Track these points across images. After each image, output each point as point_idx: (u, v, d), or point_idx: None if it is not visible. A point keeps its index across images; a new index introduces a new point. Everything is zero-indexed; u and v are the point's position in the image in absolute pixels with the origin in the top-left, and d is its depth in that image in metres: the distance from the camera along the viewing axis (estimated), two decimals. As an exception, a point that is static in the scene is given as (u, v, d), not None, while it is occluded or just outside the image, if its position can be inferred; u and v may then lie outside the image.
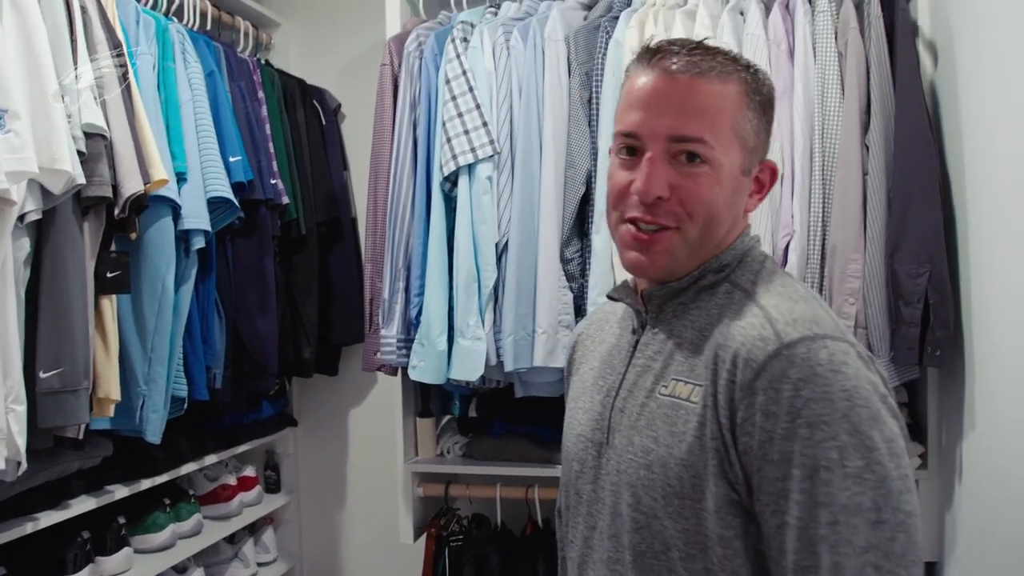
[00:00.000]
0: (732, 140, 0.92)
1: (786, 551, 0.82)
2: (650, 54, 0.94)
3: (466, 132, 1.90)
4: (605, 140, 1.88)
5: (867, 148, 1.80)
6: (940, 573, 1.88)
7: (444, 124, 1.93)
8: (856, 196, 1.78)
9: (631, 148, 0.94)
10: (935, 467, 1.90)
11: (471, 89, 1.94)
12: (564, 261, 1.90)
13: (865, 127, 1.81)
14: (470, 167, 1.92)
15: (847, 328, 0.87)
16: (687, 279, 0.96)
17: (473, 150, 1.90)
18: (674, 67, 0.92)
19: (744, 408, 0.84)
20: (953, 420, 1.82)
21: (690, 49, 0.93)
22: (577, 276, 1.91)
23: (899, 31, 1.80)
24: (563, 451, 1.08)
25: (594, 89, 1.94)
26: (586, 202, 1.92)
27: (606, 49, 1.93)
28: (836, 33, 1.84)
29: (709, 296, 0.95)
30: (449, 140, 1.92)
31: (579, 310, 1.91)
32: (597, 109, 1.92)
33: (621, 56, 1.90)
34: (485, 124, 1.92)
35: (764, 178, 0.98)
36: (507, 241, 1.93)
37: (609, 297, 1.07)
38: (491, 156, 1.92)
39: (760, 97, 0.95)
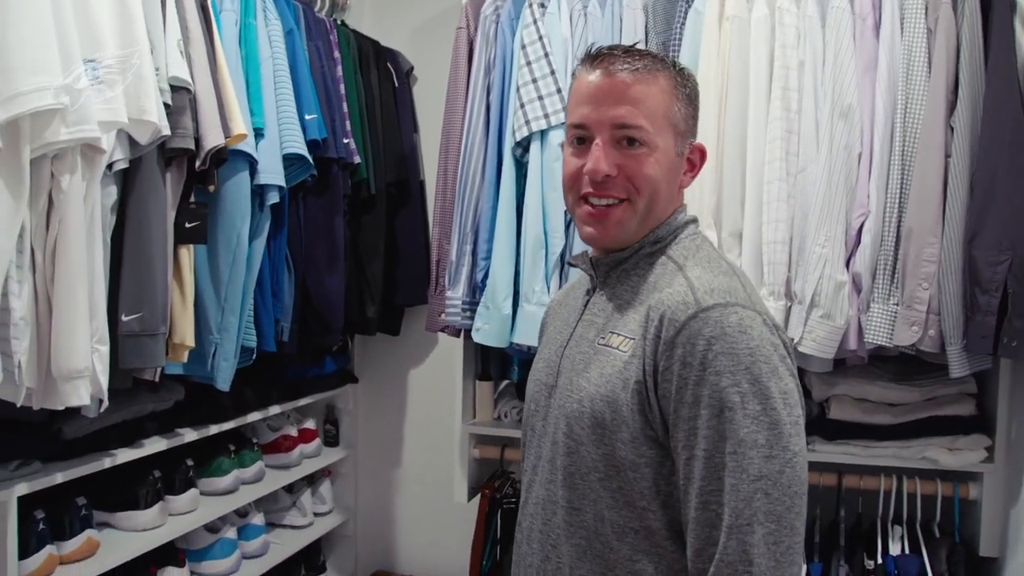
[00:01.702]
0: (665, 126, 1.08)
1: (694, 479, 0.98)
2: (592, 59, 1.11)
3: (540, 98, 1.90)
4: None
5: (952, 129, 1.74)
6: (1002, 570, 1.85)
7: (518, 89, 1.93)
8: (937, 178, 1.73)
9: (581, 138, 1.11)
10: (1002, 461, 1.86)
11: (547, 55, 1.93)
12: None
13: (951, 107, 1.75)
14: (542, 133, 1.92)
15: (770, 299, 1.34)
16: (629, 250, 1.12)
17: (546, 116, 1.90)
18: (613, 68, 1.08)
19: (665, 359, 1.00)
20: (1024, 414, 1.78)
21: (625, 51, 1.10)
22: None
23: (996, 8, 1.73)
24: (526, 395, 1.25)
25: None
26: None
27: (685, 19, 1.90)
28: (927, 8, 1.78)
29: (648, 266, 1.11)
30: (523, 105, 1.92)
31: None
32: (673, 79, 1.90)
33: (700, 26, 1.87)
34: (559, 91, 1.91)
35: (695, 158, 1.14)
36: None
37: (569, 264, 1.24)
38: (564, 123, 1.91)
39: (687, 90, 1.12)
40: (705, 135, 1.85)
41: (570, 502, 1.08)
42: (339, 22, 2.43)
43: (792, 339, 1.78)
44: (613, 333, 1.08)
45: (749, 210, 1.82)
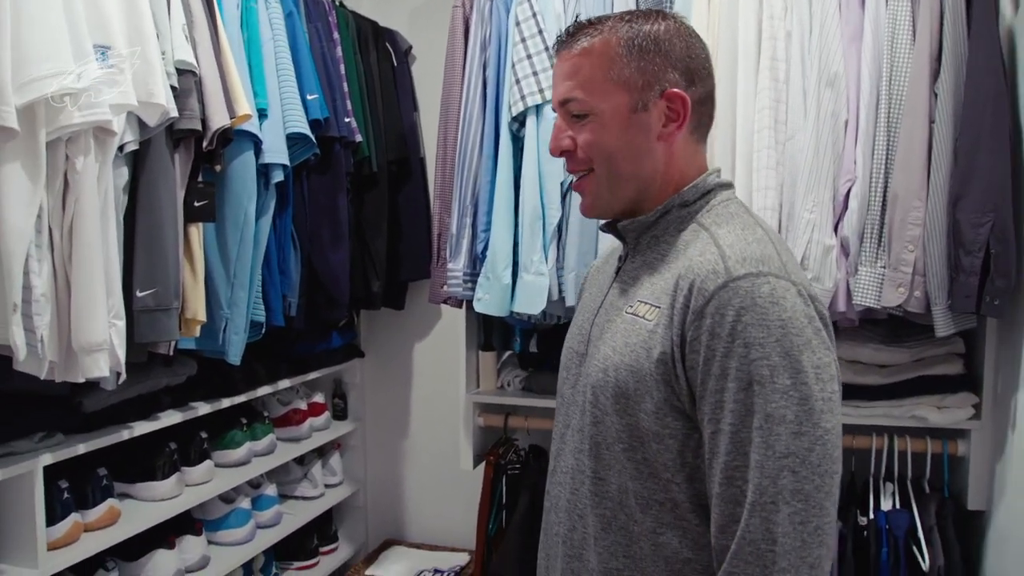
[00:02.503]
0: (610, 87, 1.05)
1: (719, 453, 0.96)
2: (555, 44, 1.13)
3: (534, 73, 1.95)
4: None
5: (935, 95, 1.78)
6: (988, 523, 1.91)
7: (513, 65, 1.98)
8: (921, 143, 1.78)
9: None
10: (988, 417, 1.91)
11: (540, 31, 1.97)
12: (626, 201, 1.94)
13: (935, 74, 1.79)
14: (538, 108, 1.96)
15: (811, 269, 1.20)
16: (653, 214, 1.09)
17: (541, 91, 1.95)
18: (561, 49, 1.10)
19: (693, 329, 0.97)
20: (1009, 371, 1.83)
21: (572, 29, 1.10)
22: (638, 216, 1.95)
23: (977, -25, 1.77)
24: (560, 362, 1.24)
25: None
26: (650, 144, 1.95)
27: (675, -7, 1.94)
28: (910, -23, 1.82)
29: (678, 232, 1.08)
30: (518, 81, 1.96)
31: (639, 250, 1.95)
32: (664, 53, 1.94)
33: (690, 1, 1.91)
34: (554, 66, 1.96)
35: (676, 107, 1.06)
36: (572, 180, 1.97)
37: (601, 229, 1.21)
38: (559, 97, 1.96)
39: (639, 41, 1.05)
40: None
41: (596, 472, 1.07)
42: (338, 3, 2.47)
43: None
44: (640, 301, 1.06)
45: (739, 178, 1.87)
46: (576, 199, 1.95)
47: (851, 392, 1.99)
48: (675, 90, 1.06)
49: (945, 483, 2.01)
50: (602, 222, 1.19)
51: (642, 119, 1.06)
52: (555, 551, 1.15)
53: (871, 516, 1.95)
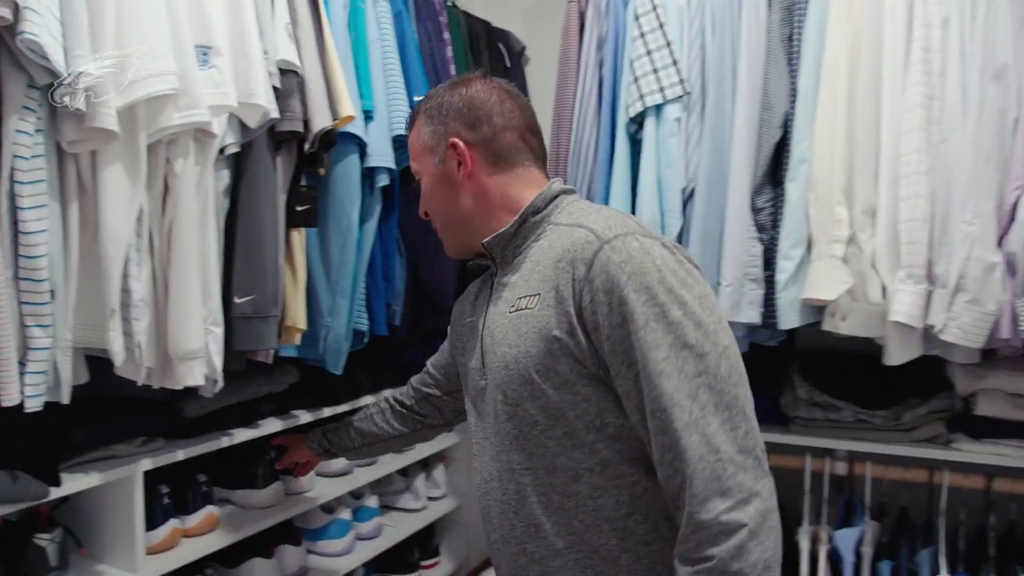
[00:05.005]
0: (422, 153, 1.26)
1: (640, 393, 1.03)
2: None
3: (655, 71, 1.81)
4: (807, 81, 1.73)
5: None
6: None
7: (632, 63, 1.85)
8: (1110, 145, 1.53)
9: None
10: None
11: (661, 26, 1.84)
12: (755, 210, 1.78)
13: None
14: (658, 108, 1.83)
15: None
16: (511, 225, 1.20)
17: (662, 90, 1.81)
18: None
19: (587, 293, 1.06)
20: None
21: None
22: (768, 227, 1.78)
23: None
24: (466, 401, 1.31)
25: (795, 26, 1.79)
26: (782, 148, 1.78)
27: (812, -21, 1.76)
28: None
29: (538, 237, 1.19)
30: (637, 79, 1.83)
31: (768, 263, 1.78)
32: (799, 47, 1.77)
33: (830, -13, 1.73)
34: (675, 63, 1.82)
35: (459, 149, 1.21)
36: (694, 187, 1.83)
37: (469, 267, 1.33)
38: (680, 97, 1.82)
39: (427, 112, 1.25)
40: (834, 105, 1.71)
41: (523, 464, 1.14)
42: (449, 3, 2.40)
43: (933, 326, 1.63)
44: (520, 298, 1.15)
45: (884, 185, 1.67)
46: (703, 207, 1.84)
47: (1013, 430, 1.76)
48: (453, 139, 1.22)
49: None
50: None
51: (444, 170, 1.23)
52: (500, 555, 1.22)
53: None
